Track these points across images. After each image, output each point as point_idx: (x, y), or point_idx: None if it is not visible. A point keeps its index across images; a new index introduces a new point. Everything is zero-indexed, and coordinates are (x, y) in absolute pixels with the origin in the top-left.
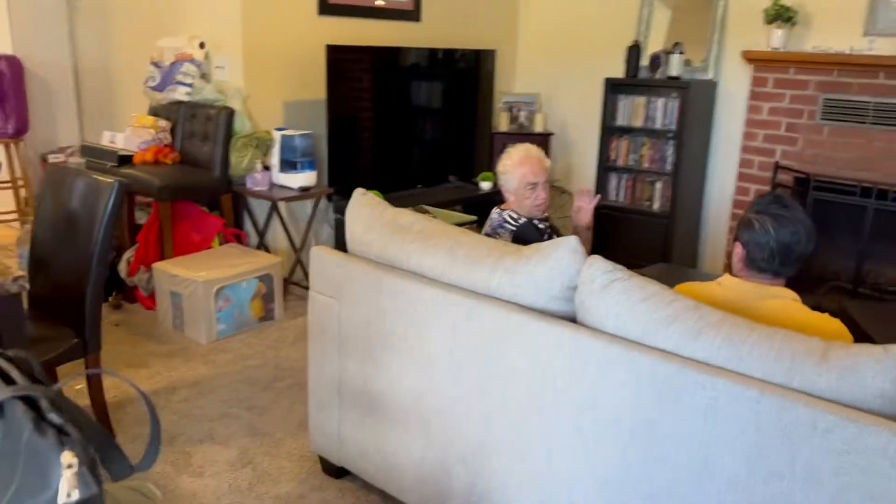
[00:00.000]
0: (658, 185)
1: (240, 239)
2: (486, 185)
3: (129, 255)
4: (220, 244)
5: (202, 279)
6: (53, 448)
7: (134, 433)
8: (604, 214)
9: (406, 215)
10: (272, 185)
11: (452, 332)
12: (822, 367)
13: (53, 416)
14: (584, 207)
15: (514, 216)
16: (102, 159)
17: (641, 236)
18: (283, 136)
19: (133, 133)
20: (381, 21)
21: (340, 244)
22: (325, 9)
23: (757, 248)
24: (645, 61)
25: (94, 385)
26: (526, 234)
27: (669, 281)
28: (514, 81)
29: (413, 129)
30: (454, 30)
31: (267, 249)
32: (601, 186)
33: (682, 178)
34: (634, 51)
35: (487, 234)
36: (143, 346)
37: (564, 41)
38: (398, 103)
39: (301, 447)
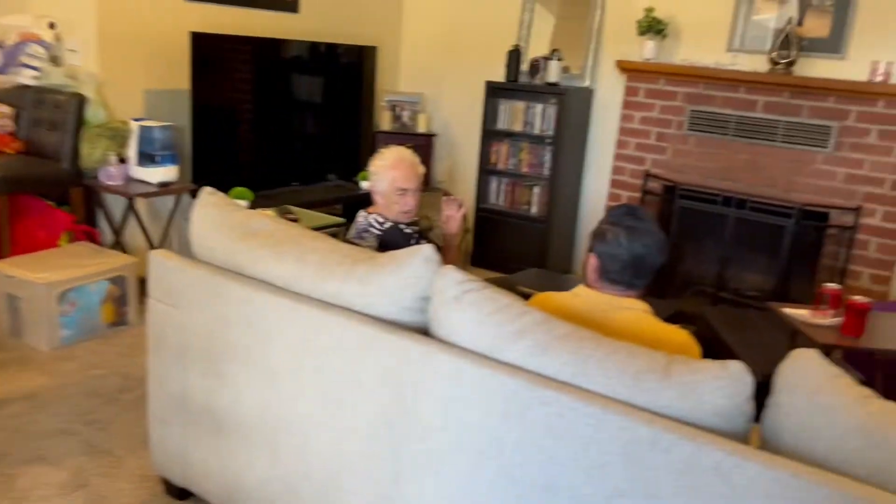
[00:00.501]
0: (536, 190)
1: (92, 237)
2: (366, 185)
3: None
4: (70, 242)
5: (43, 281)
6: None
7: None
8: (484, 218)
9: (257, 218)
10: (129, 180)
11: (300, 344)
12: (665, 384)
13: None
14: (452, 216)
15: (381, 220)
16: None
17: (520, 240)
18: (142, 127)
19: None
20: (256, 10)
21: None
22: None
23: (610, 259)
24: (525, 66)
25: None
26: (392, 239)
27: (541, 286)
28: (397, 80)
29: (290, 124)
30: (335, 23)
31: (123, 249)
32: (482, 189)
33: (558, 184)
34: (515, 55)
35: (352, 238)
36: None
37: (449, 42)
38: (274, 97)
39: (144, 467)
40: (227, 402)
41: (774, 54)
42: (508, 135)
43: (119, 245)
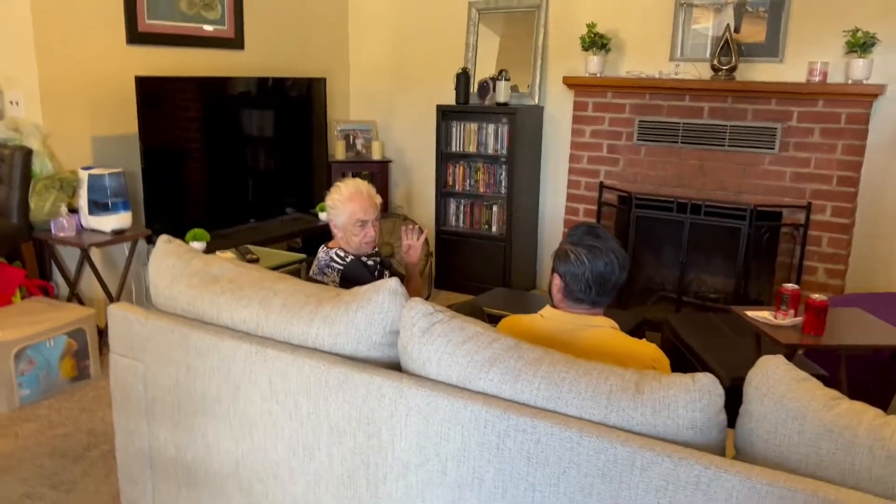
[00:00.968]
0: (495, 209)
1: (47, 291)
2: (324, 216)
3: None
4: (24, 298)
5: None
6: None
7: None
8: (445, 240)
9: (217, 263)
10: (81, 230)
11: (270, 389)
12: (638, 401)
13: None
14: (413, 244)
15: (342, 255)
16: None
17: (482, 260)
18: (91, 176)
19: None
20: (200, 49)
21: None
22: (135, 38)
23: (573, 279)
24: (475, 88)
25: None
26: (355, 273)
27: (508, 306)
28: (349, 109)
29: (244, 161)
30: (282, 57)
31: (80, 301)
32: (441, 212)
33: (516, 201)
34: (463, 78)
35: (315, 275)
36: None
37: (397, 68)
38: (226, 135)
39: None
40: (199, 455)
41: (715, 61)
42: (463, 156)
43: (76, 297)
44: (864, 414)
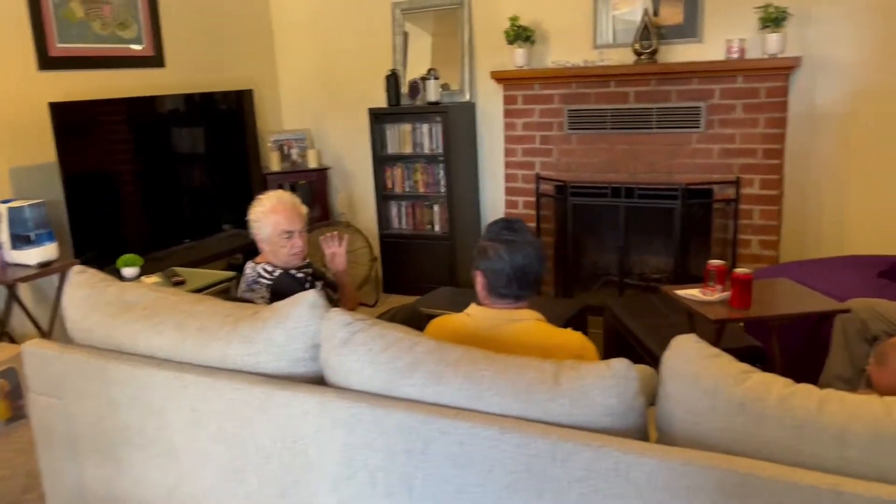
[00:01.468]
0: (436, 208)
1: None
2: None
3: None
4: None
5: None
6: None
7: None
8: (389, 243)
9: (134, 290)
10: (5, 265)
11: (193, 415)
12: (555, 393)
13: None
14: (335, 252)
15: (269, 269)
16: None
17: (427, 260)
18: (11, 209)
19: None
20: (119, 70)
21: None
22: (47, 63)
23: (494, 275)
24: (405, 89)
25: None
26: (284, 287)
27: (451, 305)
28: (280, 119)
29: (174, 180)
30: (205, 72)
31: (11, 339)
32: (383, 215)
33: (456, 199)
34: (392, 79)
35: (243, 293)
36: None
37: (326, 74)
38: (153, 155)
39: None
40: (128, 488)
41: (637, 46)
42: (400, 158)
43: (6, 336)
44: (773, 385)
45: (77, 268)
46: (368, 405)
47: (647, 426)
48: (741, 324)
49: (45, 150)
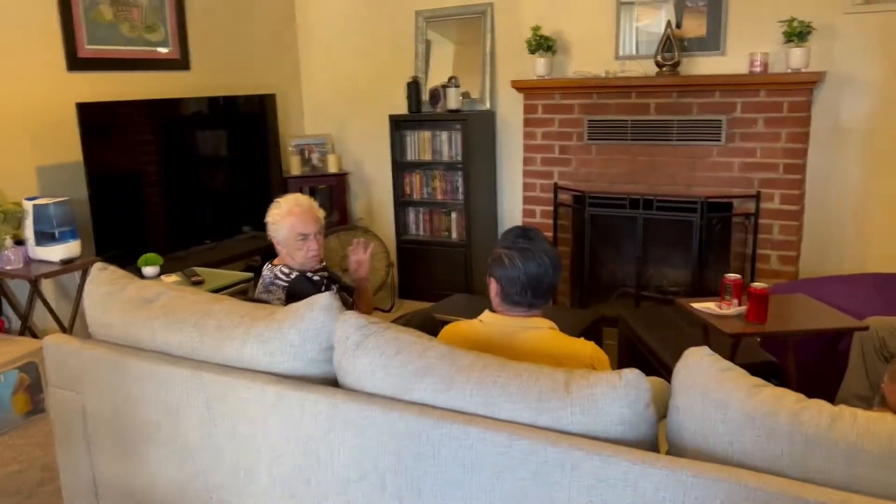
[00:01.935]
0: (454, 216)
1: None
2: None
3: None
4: None
5: None
6: None
7: None
8: (406, 249)
9: (153, 288)
10: (29, 262)
11: (207, 413)
12: (567, 401)
13: None
14: (360, 259)
15: (286, 271)
16: None
17: (444, 267)
18: (36, 206)
19: None
20: (145, 72)
21: None
22: (76, 64)
23: (509, 282)
24: (426, 96)
25: None
26: (300, 290)
27: (466, 312)
28: (302, 123)
29: (197, 181)
30: (230, 76)
31: (34, 334)
32: (400, 221)
33: (473, 207)
34: (414, 87)
35: (260, 294)
36: None
37: (349, 80)
38: (176, 156)
39: None
40: (143, 484)
41: (659, 57)
42: (419, 165)
43: (28, 330)
44: (784, 400)
45: (98, 265)
46: (380, 408)
47: (657, 438)
48: (757, 339)
49: (71, 149)
